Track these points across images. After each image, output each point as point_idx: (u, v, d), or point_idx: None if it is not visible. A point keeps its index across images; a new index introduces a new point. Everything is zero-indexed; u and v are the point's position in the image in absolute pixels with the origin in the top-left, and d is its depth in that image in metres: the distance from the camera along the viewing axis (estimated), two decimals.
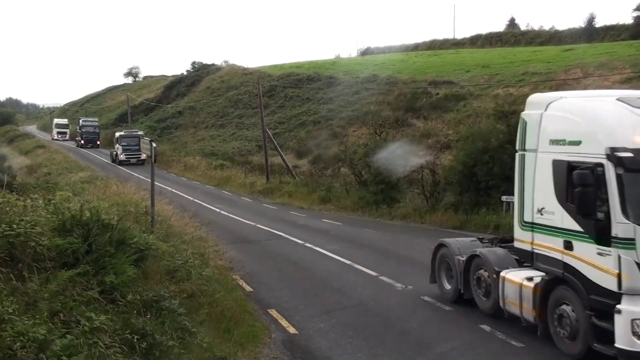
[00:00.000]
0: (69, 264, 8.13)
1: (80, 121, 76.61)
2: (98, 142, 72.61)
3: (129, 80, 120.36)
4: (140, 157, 48.46)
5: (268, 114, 52.70)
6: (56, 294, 7.31)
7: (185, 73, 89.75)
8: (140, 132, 52.17)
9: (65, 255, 8.20)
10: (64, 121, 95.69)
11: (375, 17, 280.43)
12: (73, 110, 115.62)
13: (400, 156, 28.31)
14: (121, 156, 51.75)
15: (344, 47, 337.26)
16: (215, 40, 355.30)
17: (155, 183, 14.59)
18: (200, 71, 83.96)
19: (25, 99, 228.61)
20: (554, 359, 9.48)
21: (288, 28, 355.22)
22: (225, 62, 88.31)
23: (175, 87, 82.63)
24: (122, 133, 55.05)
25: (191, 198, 32.76)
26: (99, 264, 8.45)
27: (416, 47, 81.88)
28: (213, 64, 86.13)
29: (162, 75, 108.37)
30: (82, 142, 71.92)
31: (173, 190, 34.79)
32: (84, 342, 6.58)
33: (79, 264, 8.15)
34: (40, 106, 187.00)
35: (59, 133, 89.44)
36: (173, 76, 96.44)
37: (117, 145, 53.14)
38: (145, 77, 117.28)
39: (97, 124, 76.88)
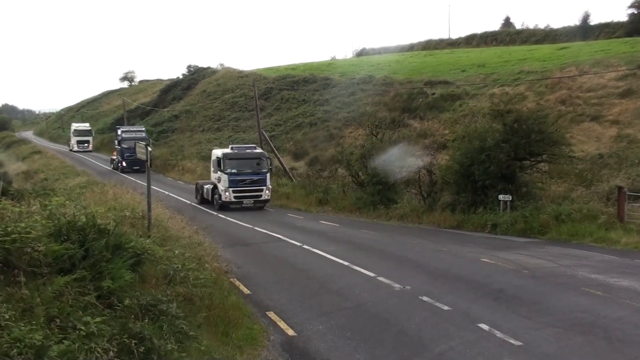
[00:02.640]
0: (66, 269, 8.12)
1: (120, 132, 52.82)
2: None
3: (125, 84, 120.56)
4: (261, 197, 31.20)
5: (264, 116, 52.69)
6: (53, 300, 7.30)
7: (180, 77, 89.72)
8: (259, 150, 34.00)
9: (62, 261, 8.19)
10: (85, 126, 77.57)
11: (371, 18, 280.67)
12: (69, 115, 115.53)
13: (398, 158, 28.38)
14: (227, 194, 30.41)
15: (339, 49, 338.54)
16: (211, 44, 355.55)
17: (152, 187, 14.56)
18: (196, 75, 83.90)
19: (21, 105, 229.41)
20: (552, 357, 9.49)
21: (283, 30, 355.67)
22: (221, 65, 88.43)
23: (171, 90, 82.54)
24: (228, 151, 31.87)
25: (188, 202, 32.75)
26: (96, 269, 8.44)
27: (411, 48, 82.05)
28: (209, 67, 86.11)
29: (158, 79, 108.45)
30: (124, 163, 49.04)
31: (170, 194, 34.77)
32: (81, 348, 6.57)
33: (75, 270, 8.14)
34: (37, 112, 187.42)
35: (79, 143, 72.57)
36: (169, 80, 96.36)
37: (217, 175, 31.34)
38: (141, 81, 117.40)
39: (144, 134, 53.10)
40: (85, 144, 72.79)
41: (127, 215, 13.18)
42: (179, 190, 37.99)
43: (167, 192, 34.39)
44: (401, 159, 28.52)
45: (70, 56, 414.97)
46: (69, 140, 76.90)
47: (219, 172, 30.97)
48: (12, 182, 29.96)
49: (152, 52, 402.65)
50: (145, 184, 14.14)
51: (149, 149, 13.64)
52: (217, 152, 32.36)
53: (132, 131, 53.54)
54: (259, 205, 31.17)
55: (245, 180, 30.67)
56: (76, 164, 52.98)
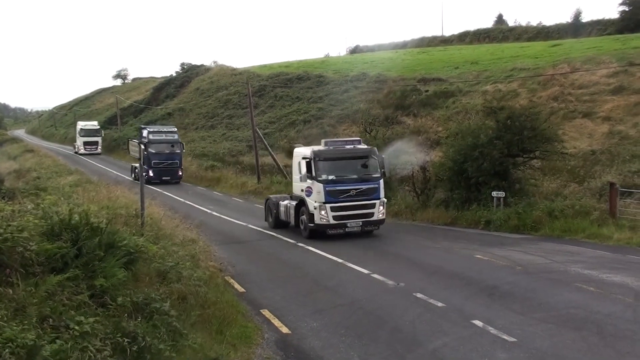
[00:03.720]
0: (58, 268, 8.10)
1: (145, 132, 43.15)
2: (180, 174, 42.17)
3: (118, 82, 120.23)
4: (372, 217, 21.19)
5: (258, 114, 52.61)
6: (45, 299, 7.27)
7: (174, 74, 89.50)
8: (364, 145, 22.83)
9: (54, 260, 8.17)
10: (94, 125, 69.59)
11: (364, 15, 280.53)
12: (62, 113, 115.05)
13: (392, 155, 28.38)
14: (322, 213, 20.72)
15: (333, 46, 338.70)
16: (204, 41, 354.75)
17: (145, 185, 14.52)
18: (189, 72, 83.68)
19: (13, 103, 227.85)
20: (545, 352, 9.53)
21: (277, 28, 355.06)
22: (214, 62, 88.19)
23: (165, 88, 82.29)
24: (321, 148, 21.86)
25: (182, 200, 32.64)
26: (89, 267, 8.42)
27: (405, 45, 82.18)
28: (202, 65, 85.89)
29: (151, 77, 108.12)
30: (151, 173, 39.64)
31: (164, 192, 34.68)
32: (74, 347, 6.56)
33: (68, 268, 8.12)
34: (29, 110, 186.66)
35: (87, 144, 64.94)
36: (162, 78, 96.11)
37: (306, 184, 21.41)
38: (134, 79, 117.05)
39: (177, 137, 43.57)
40: (94, 146, 64.95)
41: (120, 214, 13.16)
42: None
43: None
44: (395, 156, 28.53)
45: (62, 54, 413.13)
46: (73, 141, 69.64)
47: (308, 181, 20.82)
48: (4, 181, 29.79)
49: (145, 50, 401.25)
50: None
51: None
52: (304, 151, 22.09)
53: (161, 132, 43.46)
54: (369, 229, 21.26)
55: (349, 190, 20.74)
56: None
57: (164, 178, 40.23)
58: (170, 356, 7.74)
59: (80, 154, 63.35)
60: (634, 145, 29.26)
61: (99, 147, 65.47)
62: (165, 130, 44.66)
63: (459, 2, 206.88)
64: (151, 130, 43.80)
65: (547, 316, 11.26)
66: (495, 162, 23.39)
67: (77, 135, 66.96)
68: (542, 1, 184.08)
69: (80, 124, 68.97)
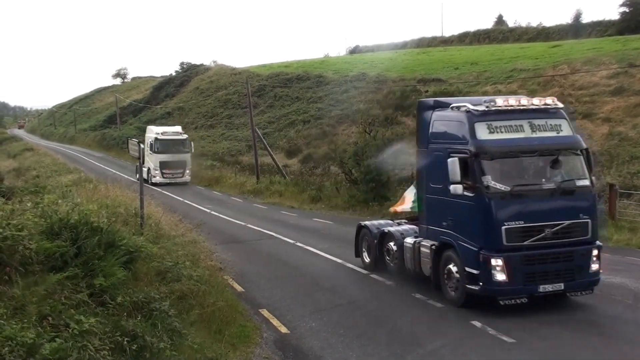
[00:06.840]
0: (58, 267, 8.10)
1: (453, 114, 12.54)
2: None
3: (118, 81, 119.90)
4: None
5: (257, 113, 52.60)
6: (45, 298, 7.27)
7: (173, 74, 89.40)
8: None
9: (54, 259, 8.17)
10: (176, 131, 41.45)
11: (364, 15, 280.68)
12: (61, 112, 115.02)
13: (391, 155, 28.35)
14: None
15: (332, 46, 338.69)
16: (204, 41, 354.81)
17: (145, 184, 14.51)
18: (189, 72, 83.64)
19: (12, 102, 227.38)
20: (544, 353, 9.53)
21: (276, 27, 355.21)
22: (214, 62, 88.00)
23: (164, 87, 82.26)
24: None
25: (181, 199, 32.63)
26: (88, 266, 8.42)
27: (405, 45, 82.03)
28: (201, 64, 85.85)
29: (151, 76, 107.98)
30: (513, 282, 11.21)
31: (163, 191, 34.67)
32: (74, 346, 6.55)
33: (67, 267, 8.12)
34: (28, 109, 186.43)
35: (166, 167, 38.67)
36: (161, 77, 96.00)
37: None
38: (133, 78, 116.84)
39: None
40: (179, 170, 39.32)
41: (120, 213, 13.14)
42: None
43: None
44: (394, 157, 28.50)
45: (62, 53, 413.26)
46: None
47: None
48: (4, 179, 29.76)
49: (145, 49, 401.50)
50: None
51: (142, 146, 13.55)
52: None
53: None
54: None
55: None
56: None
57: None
58: (171, 354, 7.74)
59: (155, 184, 37.35)
60: (634, 147, 29.27)
61: (188, 171, 40.00)
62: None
63: (459, 3, 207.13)
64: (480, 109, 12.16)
65: (546, 318, 11.25)
66: None
67: (148, 150, 36.55)
68: (542, 2, 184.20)
69: (155, 130, 40.99)
